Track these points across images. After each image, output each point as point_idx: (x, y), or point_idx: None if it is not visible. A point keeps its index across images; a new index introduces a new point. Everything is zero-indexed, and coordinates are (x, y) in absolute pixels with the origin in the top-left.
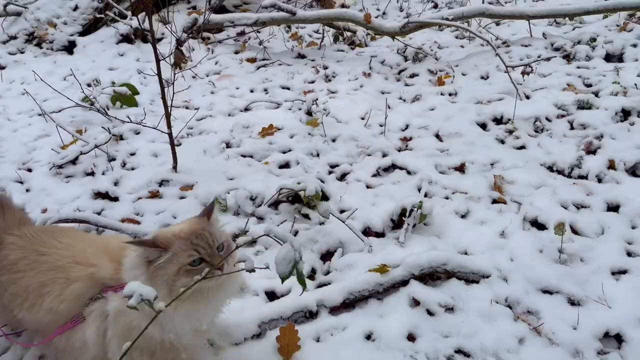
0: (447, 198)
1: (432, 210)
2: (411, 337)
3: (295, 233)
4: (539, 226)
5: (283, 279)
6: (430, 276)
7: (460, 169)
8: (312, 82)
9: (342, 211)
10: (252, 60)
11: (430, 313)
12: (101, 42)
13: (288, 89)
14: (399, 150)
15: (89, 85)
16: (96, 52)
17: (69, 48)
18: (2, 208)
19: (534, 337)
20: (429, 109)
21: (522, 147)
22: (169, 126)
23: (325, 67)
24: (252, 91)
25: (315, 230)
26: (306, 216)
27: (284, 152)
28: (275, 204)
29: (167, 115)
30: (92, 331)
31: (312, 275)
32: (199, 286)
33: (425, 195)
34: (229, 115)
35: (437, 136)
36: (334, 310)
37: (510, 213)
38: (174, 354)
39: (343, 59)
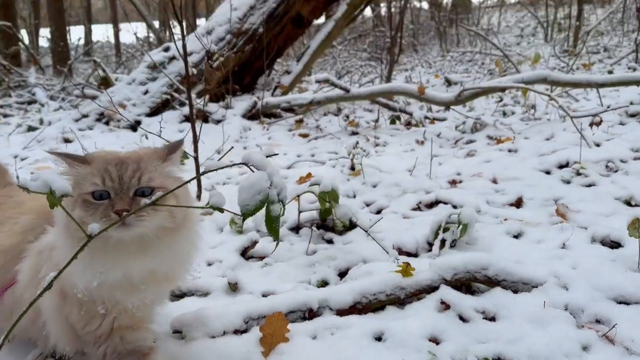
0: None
1: (474, 220)
2: (434, 340)
3: (314, 252)
4: (612, 245)
5: (245, 215)
6: (468, 287)
7: (517, 204)
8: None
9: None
10: (304, 135)
11: (463, 319)
12: (165, 121)
13: (335, 153)
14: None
15: None
16: (157, 129)
17: (134, 127)
18: None
19: (603, 345)
20: (485, 161)
21: (591, 185)
22: (196, 150)
23: (377, 137)
24: (298, 156)
25: (336, 248)
26: (330, 242)
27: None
28: (297, 229)
29: (195, 141)
30: (25, 268)
31: (323, 285)
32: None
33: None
34: None
35: (493, 181)
36: (341, 313)
37: (573, 230)
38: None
39: (397, 134)
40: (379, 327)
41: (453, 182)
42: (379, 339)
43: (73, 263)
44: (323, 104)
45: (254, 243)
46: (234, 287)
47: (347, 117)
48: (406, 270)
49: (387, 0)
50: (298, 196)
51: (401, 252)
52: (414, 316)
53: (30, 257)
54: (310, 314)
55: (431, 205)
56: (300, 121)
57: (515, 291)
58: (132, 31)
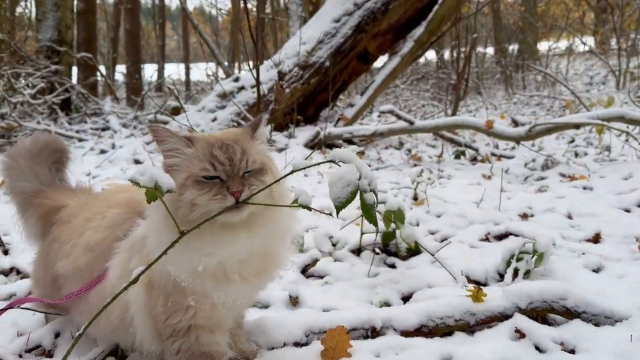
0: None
1: (550, 249)
2: None
3: (375, 275)
4: None
5: (338, 208)
6: (544, 319)
7: (595, 239)
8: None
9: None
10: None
11: (539, 349)
12: None
13: (397, 183)
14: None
15: None
16: None
17: None
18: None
19: None
20: (557, 197)
21: None
22: None
23: (441, 170)
24: None
25: (399, 272)
26: (392, 266)
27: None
28: (358, 252)
29: None
30: (115, 264)
31: (385, 306)
32: (207, 213)
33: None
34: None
35: (567, 216)
36: (406, 334)
37: None
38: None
39: (462, 168)
40: (446, 350)
41: (524, 216)
42: None
43: (173, 250)
44: (386, 136)
45: (315, 261)
46: (294, 301)
47: (409, 151)
48: (477, 296)
49: (454, 38)
50: (362, 216)
51: (469, 280)
52: (485, 342)
53: (121, 253)
54: (373, 332)
55: (501, 237)
56: (361, 153)
57: (596, 324)
58: (201, 69)
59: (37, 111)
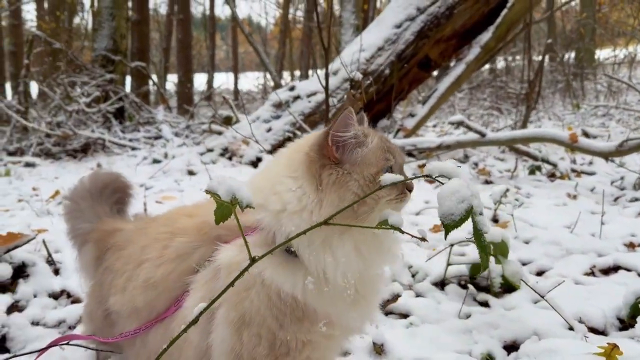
0: None
1: None
2: None
3: (467, 316)
4: None
5: (448, 227)
6: None
7: None
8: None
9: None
10: (431, 181)
11: None
12: None
13: None
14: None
15: None
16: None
17: (255, 163)
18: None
19: None
20: None
21: None
22: None
23: (519, 188)
24: (426, 202)
25: (498, 314)
26: (484, 304)
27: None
28: (441, 285)
29: None
30: (190, 304)
31: (488, 358)
32: (377, 215)
33: None
34: (417, 214)
35: None
36: None
37: None
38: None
39: (540, 186)
40: None
41: (631, 245)
42: None
43: (339, 248)
44: (453, 149)
45: (396, 297)
46: (379, 350)
47: (476, 164)
48: (611, 355)
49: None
50: (451, 245)
51: (585, 326)
52: None
53: (197, 290)
54: None
55: (608, 271)
56: (423, 166)
57: None
58: (249, 78)
59: (92, 119)
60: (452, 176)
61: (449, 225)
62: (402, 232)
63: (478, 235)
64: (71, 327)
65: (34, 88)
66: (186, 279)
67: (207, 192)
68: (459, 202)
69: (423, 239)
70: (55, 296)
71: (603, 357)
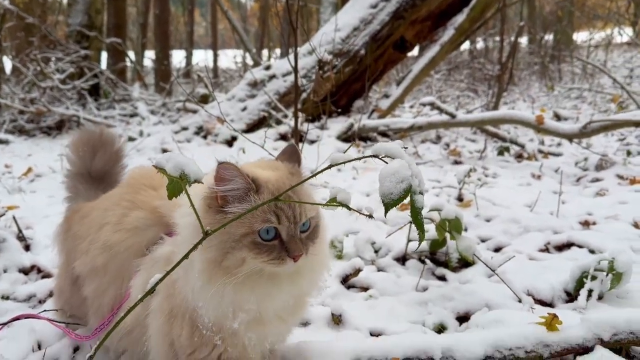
0: None
1: (631, 269)
2: None
3: (425, 289)
4: None
5: (387, 206)
6: (627, 353)
7: None
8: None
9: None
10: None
11: None
12: (259, 138)
13: (438, 181)
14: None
15: None
16: (253, 145)
17: (230, 142)
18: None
19: None
20: (619, 202)
21: None
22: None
23: (486, 168)
24: None
25: (451, 287)
26: (442, 278)
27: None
28: (402, 260)
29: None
30: (138, 283)
31: (440, 331)
32: (256, 267)
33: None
34: (367, 195)
35: (634, 225)
36: None
37: None
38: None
39: (507, 166)
40: None
41: (585, 223)
42: None
43: (207, 291)
44: (425, 129)
45: (357, 271)
46: (337, 320)
47: (448, 145)
48: (552, 324)
49: (491, 27)
50: (410, 223)
51: (534, 299)
52: None
53: (142, 272)
54: None
55: (562, 247)
56: None
57: None
58: (229, 56)
59: (66, 96)
60: (396, 157)
61: (388, 203)
62: (350, 209)
63: (415, 213)
64: (41, 302)
65: (7, 63)
66: (137, 256)
67: (155, 167)
68: (398, 182)
69: (370, 216)
70: (25, 271)
71: (544, 326)
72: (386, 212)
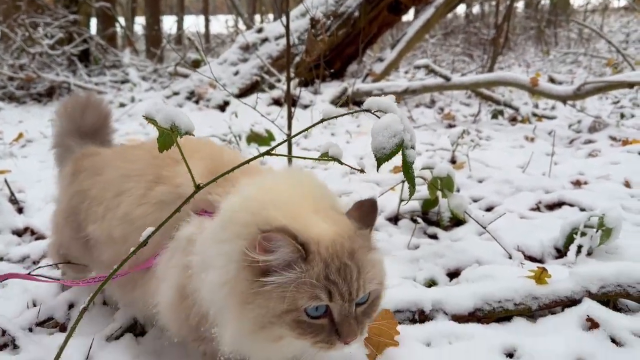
0: None
1: (620, 225)
2: None
3: (416, 247)
4: None
5: (380, 160)
6: (615, 305)
7: None
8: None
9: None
10: None
11: (616, 342)
12: (253, 104)
13: (431, 144)
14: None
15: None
16: (245, 109)
17: (223, 107)
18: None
19: None
20: (611, 163)
21: None
22: (290, 127)
23: (479, 131)
24: None
25: (443, 245)
26: (434, 237)
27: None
28: (395, 220)
29: (290, 118)
30: (163, 261)
31: (431, 285)
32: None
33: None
34: (361, 158)
35: (625, 184)
36: (458, 319)
37: None
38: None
39: (500, 129)
40: (509, 341)
41: (577, 183)
42: (510, 355)
43: (241, 329)
44: (419, 93)
45: None
46: None
47: (442, 109)
48: (540, 277)
49: None
50: (403, 182)
51: (524, 256)
52: (553, 333)
53: (168, 251)
54: (421, 316)
55: (553, 206)
56: None
57: None
58: (221, 21)
59: (56, 62)
60: (388, 111)
61: (380, 158)
62: (341, 163)
63: (407, 167)
64: (35, 262)
65: None
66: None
67: (145, 117)
68: (390, 136)
69: (362, 171)
70: (19, 233)
71: (533, 279)
72: (379, 166)
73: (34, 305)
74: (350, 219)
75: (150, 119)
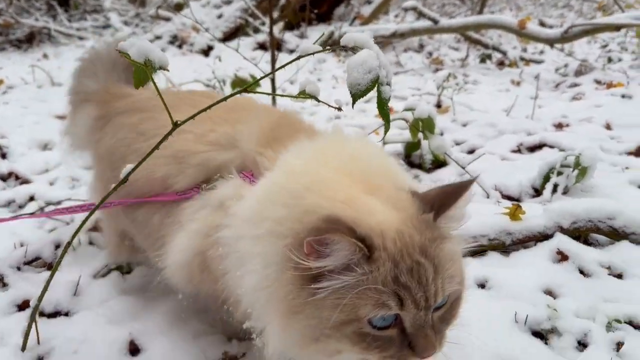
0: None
1: (595, 164)
2: (550, 294)
3: None
4: None
5: (355, 96)
6: (586, 240)
7: (637, 153)
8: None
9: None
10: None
11: (584, 273)
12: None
13: (418, 89)
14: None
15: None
16: (230, 54)
17: (206, 51)
18: None
19: None
20: (594, 106)
21: None
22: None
23: (466, 76)
24: None
25: (424, 185)
26: (415, 178)
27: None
28: None
29: (273, 61)
30: (201, 217)
31: None
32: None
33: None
34: (346, 104)
35: (606, 126)
36: None
37: None
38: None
39: (488, 74)
40: (481, 273)
41: (559, 126)
42: (482, 286)
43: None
44: (407, 36)
45: None
46: None
47: (430, 54)
48: (515, 214)
49: None
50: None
51: (503, 195)
52: (525, 265)
53: (207, 207)
54: None
55: (534, 148)
56: None
57: None
58: None
59: (34, 7)
60: (364, 47)
61: (355, 94)
62: (319, 101)
63: (381, 103)
64: (21, 206)
65: None
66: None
67: (119, 51)
68: (366, 72)
69: (339, 109)
70: (3, 178)
71: (507, 216)
72: (354, 102)
73: (22, 246)
74: (416, 199)
75: (124, 53)
